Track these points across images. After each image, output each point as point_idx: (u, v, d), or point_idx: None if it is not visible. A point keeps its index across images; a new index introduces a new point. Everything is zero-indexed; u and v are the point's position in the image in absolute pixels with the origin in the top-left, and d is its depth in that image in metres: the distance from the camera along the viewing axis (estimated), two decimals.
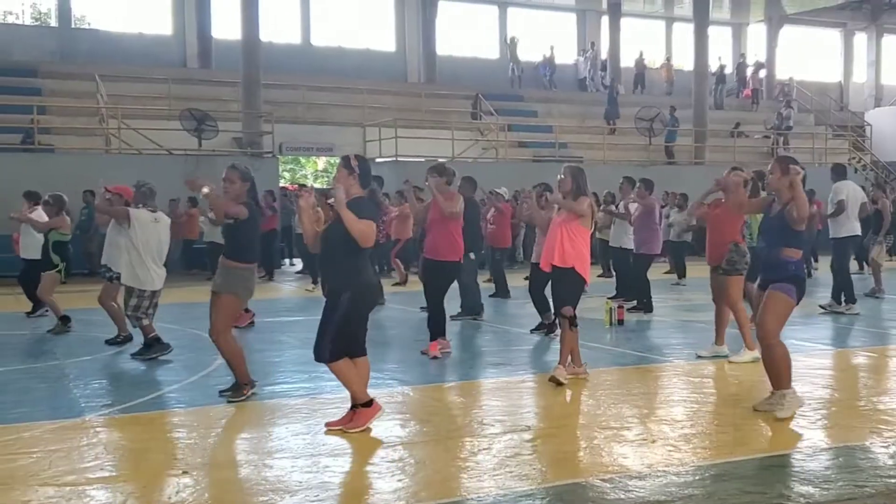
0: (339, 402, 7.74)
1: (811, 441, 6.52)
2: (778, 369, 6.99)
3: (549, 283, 10.04)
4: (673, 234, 18.94)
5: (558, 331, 10.32)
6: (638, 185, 13.76)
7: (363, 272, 6.67)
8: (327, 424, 6.80)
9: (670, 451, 6.22)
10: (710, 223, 9.86)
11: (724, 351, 9.72)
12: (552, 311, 11.22)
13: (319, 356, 6.67)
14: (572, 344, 8.60)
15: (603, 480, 5.51)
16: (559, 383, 8.27)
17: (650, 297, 13.65)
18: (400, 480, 5.62)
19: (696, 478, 5.60)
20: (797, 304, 7.08)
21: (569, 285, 8.58)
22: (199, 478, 5.67)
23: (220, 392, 7.91)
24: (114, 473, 5.79)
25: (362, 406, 6.74)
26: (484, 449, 6.31)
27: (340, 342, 6.61)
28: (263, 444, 6.63)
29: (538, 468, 5.83)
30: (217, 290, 7.80)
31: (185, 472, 5.75)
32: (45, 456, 6.13)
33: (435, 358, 9.78)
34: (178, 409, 7.78)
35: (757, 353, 9.44)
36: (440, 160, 11.55)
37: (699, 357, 9.77)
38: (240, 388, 7.81)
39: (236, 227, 7.86)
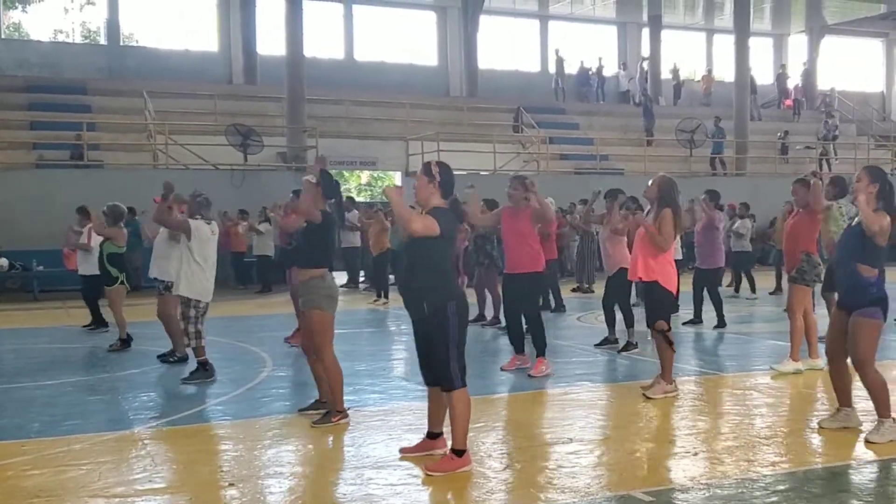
0: (381, 414, 7.82)
1: (858, 454, 6.45)
2: (875, 397, 6.69)
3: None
4: (735, 245, 18.11)
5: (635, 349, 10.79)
6: (703, 196, 13.33)
7: (455, 281, 6.02)
8: (402, 451, 6.36)
9: (714, 463, 6.21)
10: (786, 232, 9.68)
11: (819, 364, 9.29)
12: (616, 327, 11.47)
13: (451, 383, 5.89)
14: (669, 357, 8.47)
15: (646, 493, 5.50)
16: (648, 398, 8.25)
17: (722, 312, 13.23)
18: (445, 493, 5.67)
19: (740, 491, 5.58)
20: (885, 321, 6.74)
21: (656, 300, 8.49)
22: (245, 490, 5.74)
23: (312, 422, 7.46)
24: (162, 485, 5.88)
25: (456, 452, 6.03)
26: (526, 461, 6.32)
27: (462, 363, 5.92)
28: (308, 456, 6.70)
29: (581, 481, 5.83)
30: (302, 307, 7.54)
31: (231, 484, 5.84)
32: (95, 467, 6.24)
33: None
34: (225, 421, 7.88)
35: (800, 365, 9.42)
36: (519, 175, 11.24)
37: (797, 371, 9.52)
38: (328, 415, 7.39)
39: (308, 232, 7.46)
